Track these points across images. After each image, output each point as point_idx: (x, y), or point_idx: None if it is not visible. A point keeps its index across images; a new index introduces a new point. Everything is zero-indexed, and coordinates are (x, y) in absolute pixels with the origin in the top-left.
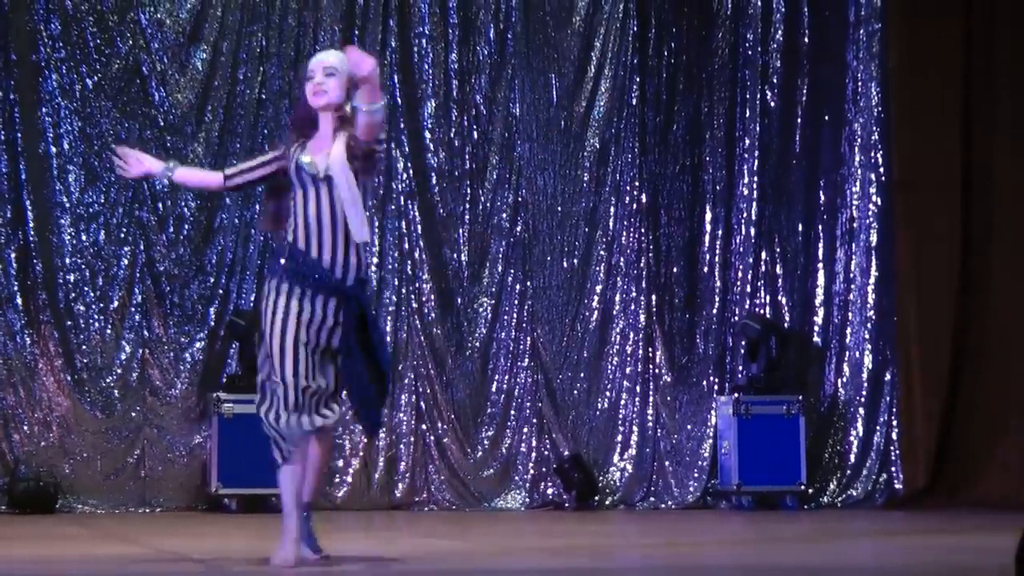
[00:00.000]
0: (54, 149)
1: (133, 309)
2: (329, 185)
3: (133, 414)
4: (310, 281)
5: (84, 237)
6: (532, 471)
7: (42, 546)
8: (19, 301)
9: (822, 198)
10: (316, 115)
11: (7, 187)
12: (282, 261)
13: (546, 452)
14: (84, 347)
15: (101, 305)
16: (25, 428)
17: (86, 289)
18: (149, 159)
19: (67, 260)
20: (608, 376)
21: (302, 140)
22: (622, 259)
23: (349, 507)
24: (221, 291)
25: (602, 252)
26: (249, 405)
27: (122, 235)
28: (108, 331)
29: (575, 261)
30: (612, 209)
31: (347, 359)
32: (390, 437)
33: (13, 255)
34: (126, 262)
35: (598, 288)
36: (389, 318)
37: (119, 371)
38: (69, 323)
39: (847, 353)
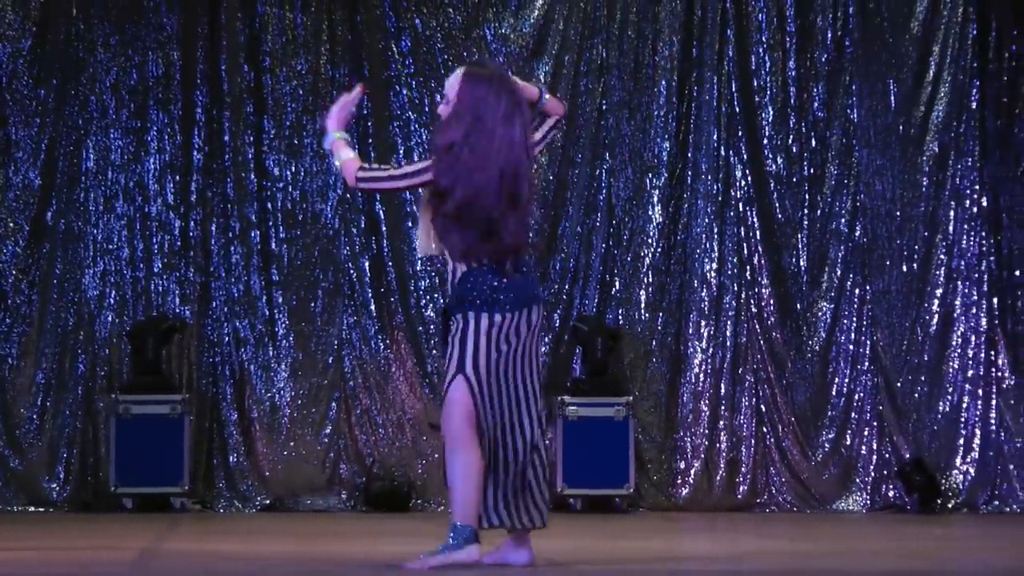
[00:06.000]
0: (404, 161)
1: None
2: None
3: None
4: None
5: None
6: (873, 474)
7: (397, 543)
8: (373, 308)
9: None
10: None
11: (362, 199)
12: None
13: (887, 455)
14: (435, 351)
15: None
16: (380, 430)
17: (436, 295)
18: (344, 114)
19: (418, 267)
20: (949, 379)
21: None
22: (963, 263)
23: (691, 508)
24: (565, 297)
25: (942, 256)
26: (593, 408)
27: None
28: None
29: (915, 265)
30: (952, 213)
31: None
32: (731, 439)
33: (367, 263)
34: None
35: (938, 292)
36: (729, 323)
37: None
38: (420, 328)
39: None
